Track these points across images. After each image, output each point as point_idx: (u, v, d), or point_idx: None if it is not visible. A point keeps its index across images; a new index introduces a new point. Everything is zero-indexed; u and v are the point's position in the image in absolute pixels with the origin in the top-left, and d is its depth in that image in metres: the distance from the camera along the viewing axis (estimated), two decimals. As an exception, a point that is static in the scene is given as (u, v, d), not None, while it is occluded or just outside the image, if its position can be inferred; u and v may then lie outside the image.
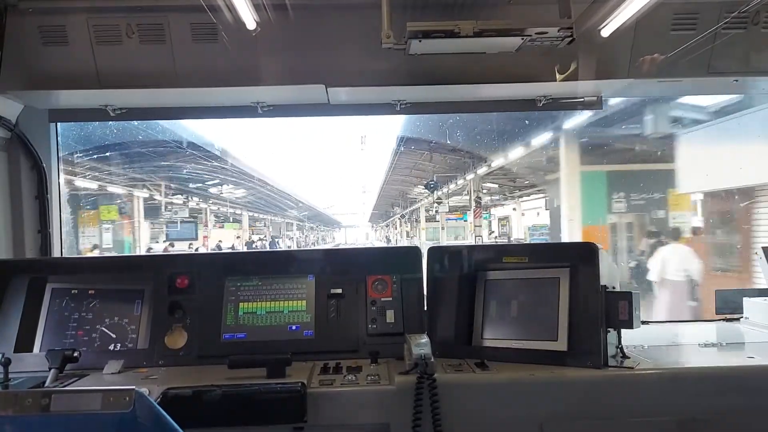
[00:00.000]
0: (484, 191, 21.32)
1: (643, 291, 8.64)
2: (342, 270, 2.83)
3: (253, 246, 29.50)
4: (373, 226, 57.70)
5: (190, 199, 25.26)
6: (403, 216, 38.87)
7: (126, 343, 2.69)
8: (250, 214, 34.19)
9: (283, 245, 36.33)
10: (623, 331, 2.41)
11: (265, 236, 36.65)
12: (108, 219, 19.00)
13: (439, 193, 23.97)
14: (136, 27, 2.96)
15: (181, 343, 2.66)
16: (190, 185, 24.26)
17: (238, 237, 30.71)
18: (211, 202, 28.29)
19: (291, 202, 36.60)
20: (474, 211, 20.08)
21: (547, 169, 15.76)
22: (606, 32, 2.93)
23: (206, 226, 26.95)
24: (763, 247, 3.17)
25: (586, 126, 11.75)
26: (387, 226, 46.54)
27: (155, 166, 19.81)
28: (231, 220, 31.96)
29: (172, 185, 22.87)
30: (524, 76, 3.07)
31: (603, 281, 2.34)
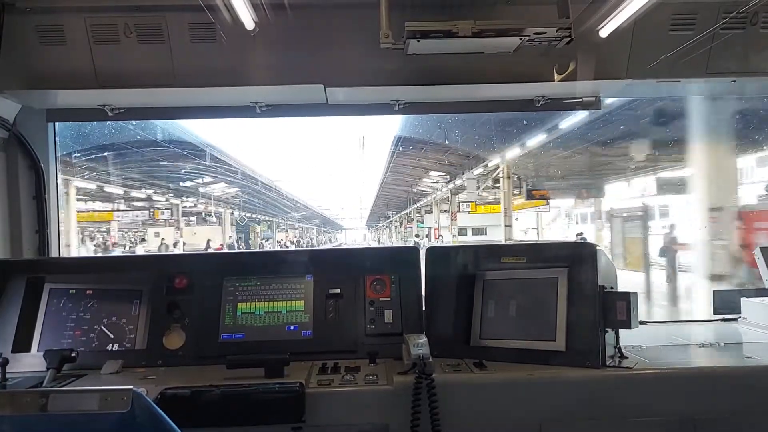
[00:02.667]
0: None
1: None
2: (340, 270, 2.83)
3: (301, 242, 57.10)
4: (369, 229, 74.19)
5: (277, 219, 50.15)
6: (384, 225, 64.07)
7: (124, 343, 2.69)
8: (297, 224, 62.13)
9: (314, 240, 65.85)
10: (621, 331, 2.41)
11: (303, 236, 62.73)
12: (262, 230, 43.98)
13: (398, 215, 50.62)
14: (134, 26, 2.95)
15: (180, 343, 2.66)
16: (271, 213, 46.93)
17: (295, 237, 57.48)
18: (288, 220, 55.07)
19: (313, 215, 60.06)
20: (404, 226, 44.71)
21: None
22: (604, 32, 2.93)
23: (285, 232, 54.42)
24: (761, 247, 3.17)
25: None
26: (378, 229, 68.74)
27: (261, 206, 40.98)
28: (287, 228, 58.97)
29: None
30: (522, 76, 3.07)
31: (601, 281, 2.35)
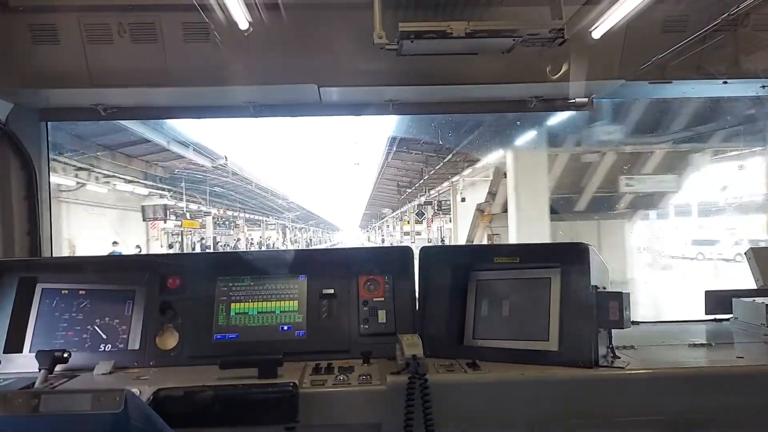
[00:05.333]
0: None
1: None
2: (334, 270, 2.83)
3: (313, 239, 75.77)
4: (361, 230, 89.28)
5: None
6: (371, 228, 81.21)
7: (117, 343, 2.68)
8: (312, 227, 79.85)
9: (320, 238, 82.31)
10: (614, 331, 2.43)
11: (314, 236, 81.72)
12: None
13: (378, 222, 69.45)
14: (127, 26, 2.94)
15: (173, 343, 2.65)
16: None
17: (311, 237, 74.93)
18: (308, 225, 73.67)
19: (320, 221, 79.01)
20: (382, 230, 63.08)
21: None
22: (597, 34, 2.95)
23: (307, 233, 71.06)
24: (751, 248, 3.19)
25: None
26: (368, 230, 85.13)
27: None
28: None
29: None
30: (516, 77, 3.09)
31: (594, 281, 2.36)
